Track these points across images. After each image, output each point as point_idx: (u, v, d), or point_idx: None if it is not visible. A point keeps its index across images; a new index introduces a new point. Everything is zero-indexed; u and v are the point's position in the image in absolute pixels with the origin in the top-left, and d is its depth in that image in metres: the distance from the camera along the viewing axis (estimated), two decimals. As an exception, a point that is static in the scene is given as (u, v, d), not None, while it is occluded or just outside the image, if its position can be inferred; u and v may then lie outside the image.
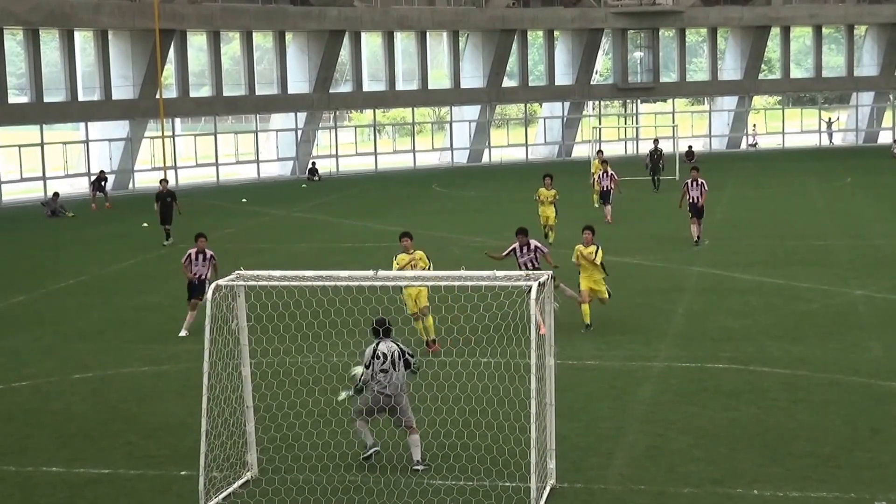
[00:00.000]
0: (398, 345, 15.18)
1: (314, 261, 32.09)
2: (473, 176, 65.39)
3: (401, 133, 77.31)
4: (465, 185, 59.80)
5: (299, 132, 69.19)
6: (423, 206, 49.27)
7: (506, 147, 77.09)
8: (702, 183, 34.22)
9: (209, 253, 24.14)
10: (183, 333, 23.64)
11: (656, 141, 55.30)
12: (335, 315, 21.02)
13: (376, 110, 74.71)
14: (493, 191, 55.45)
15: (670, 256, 32.77)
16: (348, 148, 73.09)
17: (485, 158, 75.43)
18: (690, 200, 34.23)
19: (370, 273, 14.45)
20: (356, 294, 17.48)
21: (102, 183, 52.83)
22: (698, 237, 34.30)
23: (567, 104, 77.21)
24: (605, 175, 41.26)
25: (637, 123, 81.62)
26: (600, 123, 78.08)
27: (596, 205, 44.08)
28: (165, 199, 39.03)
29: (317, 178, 65.69)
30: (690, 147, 69.98)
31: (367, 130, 76.91)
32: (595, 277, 23.16)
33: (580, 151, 75.37)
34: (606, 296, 23.37)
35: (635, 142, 77.90)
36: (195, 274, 23.95)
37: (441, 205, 49.65)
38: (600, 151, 50.75)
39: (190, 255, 24.16)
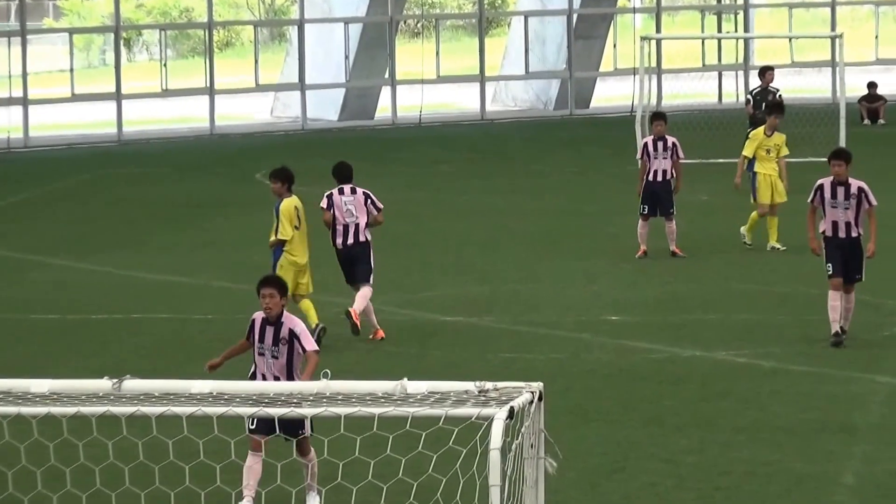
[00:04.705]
0: None
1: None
2: (355, 145, 55.62)
3: (183, 51, 70.24)
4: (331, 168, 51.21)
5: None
6: (224, 221, 42.74)
7: (433, 84, 64.81)
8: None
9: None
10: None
11: (767, 71, 48.78)
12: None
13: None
14: (401, 183, 47.01)
15: (836, 357, 25.08)
16: (47, 83, 64.78)
17: (381, 110, 63.62)
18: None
19: (107, 383, 12.01)
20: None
21: None
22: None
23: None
24: (662, 150, 37.60)
25: (745, 31, 72.53)
26: (658, 31, 67.14)
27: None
28: None
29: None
30: (873, 84, 64.43)
31: (95, 43, 71.10)
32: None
33: (608, 95, 64.12)
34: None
35: (743, 73, 65.85)
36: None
37: (269, 216, 41.19)
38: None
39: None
